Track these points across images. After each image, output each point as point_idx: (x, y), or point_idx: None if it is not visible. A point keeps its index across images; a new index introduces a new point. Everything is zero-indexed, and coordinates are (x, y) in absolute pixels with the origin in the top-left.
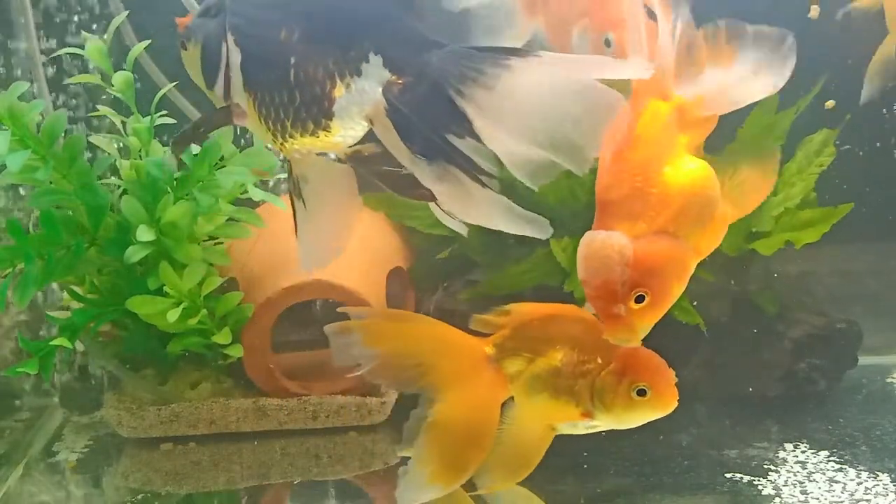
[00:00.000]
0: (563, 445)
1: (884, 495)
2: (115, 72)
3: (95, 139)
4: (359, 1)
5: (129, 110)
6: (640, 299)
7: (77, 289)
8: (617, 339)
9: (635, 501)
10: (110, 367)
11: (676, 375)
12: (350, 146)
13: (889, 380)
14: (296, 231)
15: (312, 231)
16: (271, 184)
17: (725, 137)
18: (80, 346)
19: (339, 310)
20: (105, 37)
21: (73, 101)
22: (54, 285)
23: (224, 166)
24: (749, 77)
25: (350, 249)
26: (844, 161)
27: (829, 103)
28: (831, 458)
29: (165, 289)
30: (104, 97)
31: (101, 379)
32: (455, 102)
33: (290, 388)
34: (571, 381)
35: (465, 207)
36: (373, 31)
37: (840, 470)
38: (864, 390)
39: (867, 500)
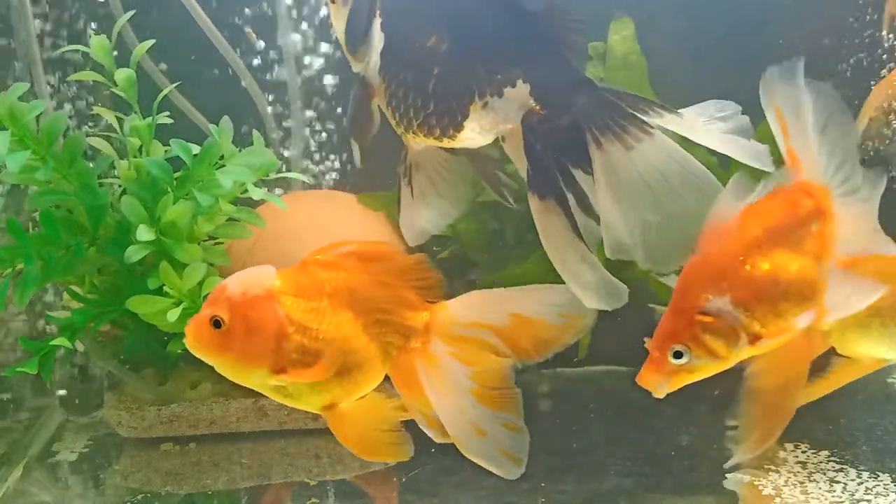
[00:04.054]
0: (563, 445)
1: (884, 495)
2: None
3: (92, 140)
4: (516, 26)
5: (129, 108)
6: (216, 324)
7: (77, 289)
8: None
9: (635, 501)
10: (110, 367)
11: None
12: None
13: (889, 380)
14: (398, 214)
15: (416, 219)
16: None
17: None
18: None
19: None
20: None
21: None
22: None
23: (224, 166)
24: None
25: None
26: None
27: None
28: (832, 458)
29: (165, 289)
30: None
31: (100, 379)
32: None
33: None
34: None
35: (554, 250)
36: (526, 59)
37: (841, 470)
38: (864, 390)
39: (868, 501)
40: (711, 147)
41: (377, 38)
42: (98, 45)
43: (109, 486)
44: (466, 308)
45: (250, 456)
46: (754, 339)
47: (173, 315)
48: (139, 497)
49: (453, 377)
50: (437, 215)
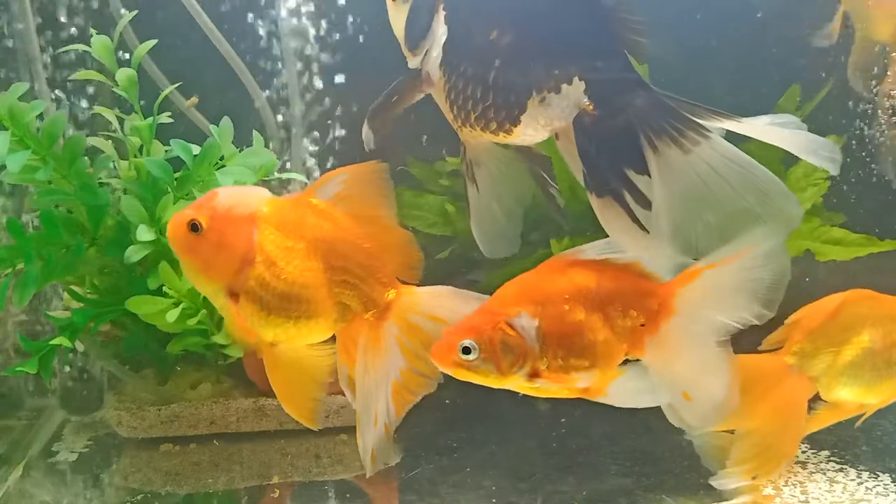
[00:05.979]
0: (563, 445)
1: (884, 495)
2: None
3: (93, 140)
4: (577, 24)
5: (130, 107)
6: (194, 227)
7: (77, 289)
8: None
9: (635, 501)
10: (110, 367)
11: None
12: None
13: None
14: (469, 218)
15: (488, 217)
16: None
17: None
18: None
19: None
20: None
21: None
22: None
23: (224, 166)
24: None
25: None
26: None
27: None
28: (832, 458)
29: (165, 289)
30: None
31: (100, 379)
32: (643, 147)
33: None
34: (888, 355)
35: (623, 240)
36: (584, 57)
37: (841, 470)
38: None
39: (868, 501)
40: (775, 144)
41: (440, 31)
42: (99, 44)
43: (109, 486)
44: (433, 299)
45: (250, 456)
46: (534, 374)
47: (173, 315)
48: (139, 497)
49: (386, 362)
50: (506, 217)
